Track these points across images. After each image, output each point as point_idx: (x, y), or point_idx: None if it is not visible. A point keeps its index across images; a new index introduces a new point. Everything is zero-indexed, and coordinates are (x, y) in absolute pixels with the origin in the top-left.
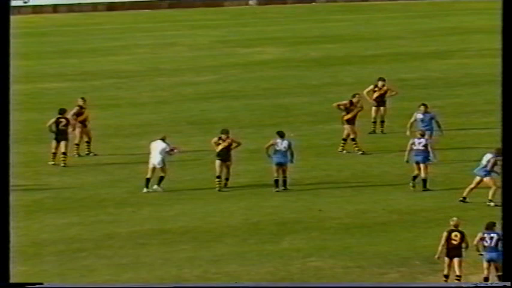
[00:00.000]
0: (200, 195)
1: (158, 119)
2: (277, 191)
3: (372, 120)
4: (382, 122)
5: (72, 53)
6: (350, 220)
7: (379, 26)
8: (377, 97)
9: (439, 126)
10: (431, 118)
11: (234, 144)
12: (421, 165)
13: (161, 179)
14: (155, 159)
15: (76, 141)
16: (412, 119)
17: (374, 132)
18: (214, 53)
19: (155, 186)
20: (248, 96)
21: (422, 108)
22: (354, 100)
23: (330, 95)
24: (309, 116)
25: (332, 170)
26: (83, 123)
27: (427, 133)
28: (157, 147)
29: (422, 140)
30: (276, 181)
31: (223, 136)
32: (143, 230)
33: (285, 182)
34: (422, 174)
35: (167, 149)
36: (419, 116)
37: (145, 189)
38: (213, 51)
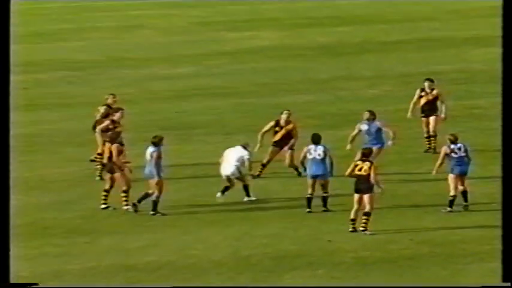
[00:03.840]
0: (176, 221)
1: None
2: (309, 212)
3: (425, 135)
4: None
5: (11, 38)
6: (368, 253)
7: (405, 5)
8: (424, 104)
9: (392, 137)
10: (379, 129)
11: None
12: (463, 178)
13: (245, 188)
14: (228, 169)
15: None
16: (355, 132)
17: (429, 149)
18: (194, 39)
19: (245, 198)
20: (238, 93)
21: (367, 115)
22: (281, 118)
23: (342, 93)
24: (316, 119)
25: (345, 188)
26: None
27: (375, 148)
28: (233, 154)
29: (461, 145)
30: (309, 199)
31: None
32: (101, 267)
33: (324, 200)
34: (461, 188)
35: (246, 157)
36: (364, 126)
37: (218, 194)
38: (193, 35)
